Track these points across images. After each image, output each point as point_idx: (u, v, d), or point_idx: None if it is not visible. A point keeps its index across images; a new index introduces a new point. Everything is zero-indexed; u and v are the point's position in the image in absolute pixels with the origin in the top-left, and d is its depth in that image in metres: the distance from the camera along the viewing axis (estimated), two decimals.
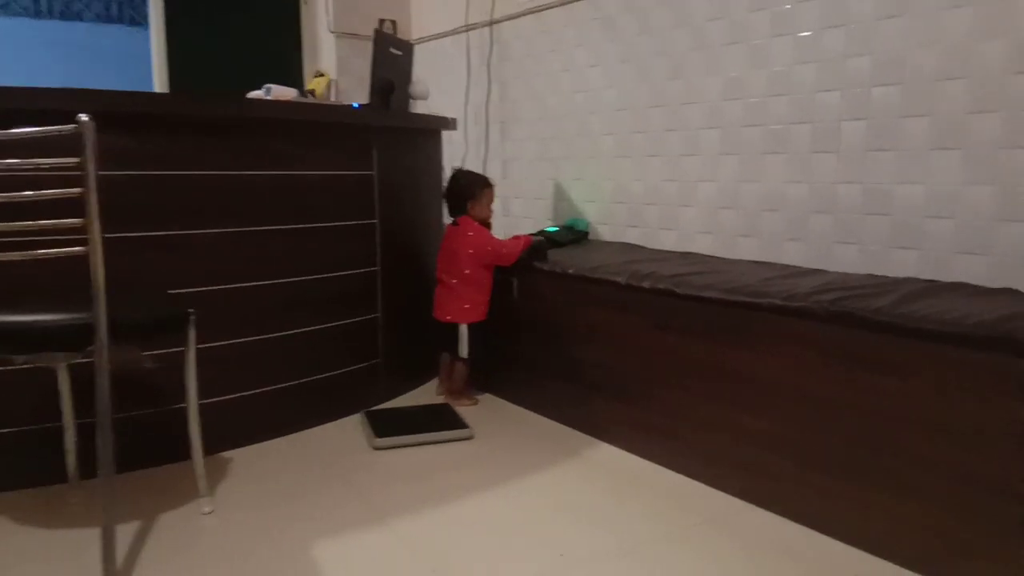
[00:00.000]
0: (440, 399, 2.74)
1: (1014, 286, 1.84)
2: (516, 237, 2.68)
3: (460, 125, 3.62)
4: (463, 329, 2.64)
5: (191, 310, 1.76)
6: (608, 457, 2.24)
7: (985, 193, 1.93)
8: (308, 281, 2.42)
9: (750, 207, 2.50)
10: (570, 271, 2.43)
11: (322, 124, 2.42)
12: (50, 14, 6.10)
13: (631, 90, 2.90)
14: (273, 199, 2.29)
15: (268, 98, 2.39)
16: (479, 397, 2.76)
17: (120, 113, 1.95)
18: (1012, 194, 1.88)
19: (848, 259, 2.23)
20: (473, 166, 3.63)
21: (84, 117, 1.33)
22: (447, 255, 2.69)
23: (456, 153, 3.67)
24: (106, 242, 1.46)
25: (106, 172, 1.74)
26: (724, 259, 2.49)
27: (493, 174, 3.58)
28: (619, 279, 2.25)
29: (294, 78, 4.21)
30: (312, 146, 2.38)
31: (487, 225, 2.72)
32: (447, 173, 3.13)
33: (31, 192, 1.36)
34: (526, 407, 2.66)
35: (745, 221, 2.51)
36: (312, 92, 3.65)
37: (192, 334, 1.77)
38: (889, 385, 1.61)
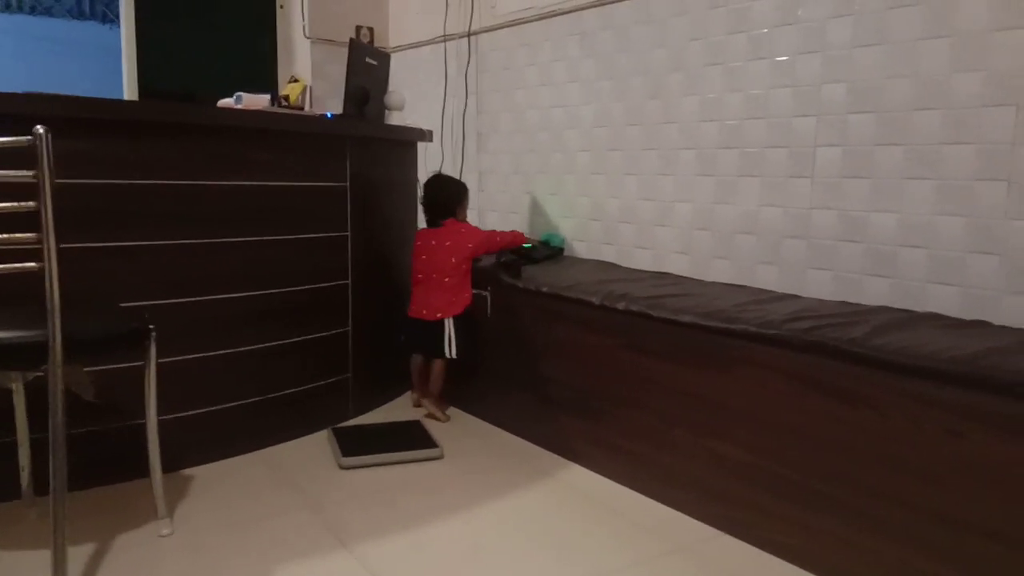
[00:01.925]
0: (411, 415, 2.70)
1: (986, 318, 1.84)
2: (494, 232, 2.83)
3: (436, 135, 3.59)
4: (449, 325, 2.61)
5: (151, 325, 1.71)
6: (578, 479, 2.21)
7: (957, 224, 1.94)
8: (277, 294, 2.36)
9: (725, 229, 2.49)
10: (544, 289, 2.41)
11: (294, 133, 2.37)
12: (20, 8, 5.97)
13: (608, 107, 2.88)
14: (242, 209, 2.24)
15: (239, 107, 2.34)
16: (448, 413, 2.72)
17: (80, 119, 1.89)
18: (984, 226, 1.89)
19: (822, 285, 2.23)
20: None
21: (40, 129, 1.28)
22: (436, 254, 2.65)
23: (432, 164, 3.63)
24: (62, 252, 1.40)
25: (63, 180, 1.69)
26: (698, 281, 2.48)
27: (469, 186, 3.54)
28: (593, 299, 2.23)
29: (268, 82, 4.15)
30: (284, 155, 2.34)
31: None
32: (422, 185, 3.11)
33: None
34: (497, 425, 2.63)
35: (720, 243, 2.51)
36: (286, 98, 3.59)
37: (153, 349, 1.72)
38: (863, 417, 1.61)
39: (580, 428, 2.31)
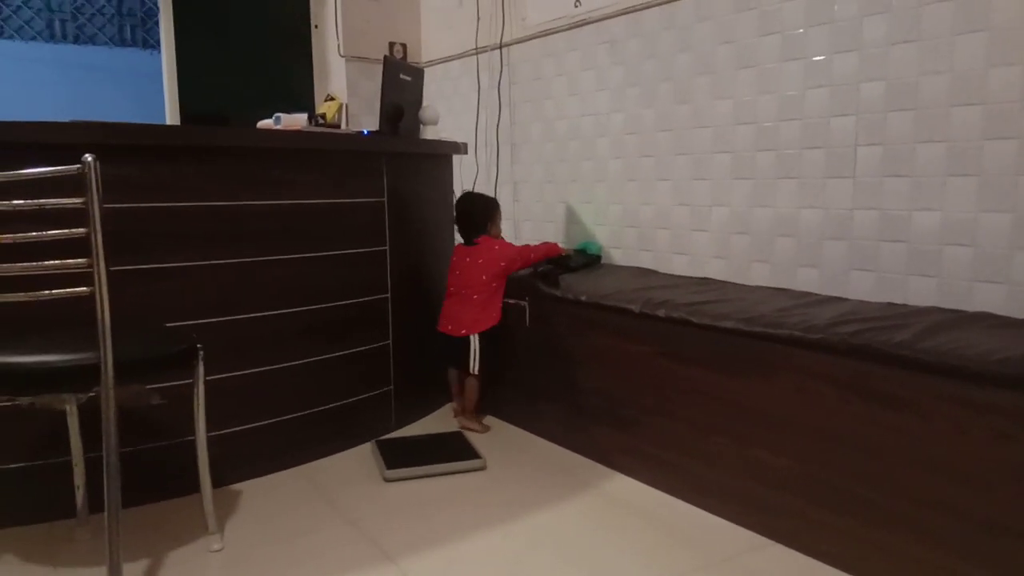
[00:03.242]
0: (453, 426, 2.71)
1: None
2: (527, 246, 2.78)
3: (471, 148, 3.61)
4: (474, 341, 2.62)
5: (199, 345, 1.75)
6: (619, 489, 2.20)
7: (1003, 221, 1.89)
8: (318, 310, 2.40)
9: (763, 232, 2.46)
10: (583, 298, 2.40)
11: (332, 152, 2.41)
12: (64, 38, 6.16)
13: (638, 114, 2.87)
14: (282, 228, 2.28)
15: (278, 127, 2.39)
16: (489, 424, 2.73)
17: (123, 145, 1.95)
18: None
19: (865, 286, 2.20)
20: (484, 189, 3.62)
21: (88, 157, 1.32)
22: (469, 271, 2.66)
23: (467, 176, 3.66)
24: (110, 275, 1.45)
25: (109, 205, 1.74)
26: (739, 285, 2.46)
27: (504, 197, 3.57)
28: (632, 307, 2.22)
29: (305, 102, 4.22)
30: (322, 174, 2.38)
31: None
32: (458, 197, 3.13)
33: (35, 233, 1.35)
34: (539, 434, 2.63)
35: (759, 246, 2.48)
36: (323, 116, 3.65)
37: (201, 368, 1.76)
38: (910, 423, 1.58)
39: (620, 437, 2.29)
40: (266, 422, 2.30)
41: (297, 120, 2.41)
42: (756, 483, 1.90)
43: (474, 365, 2.63)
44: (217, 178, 2.14)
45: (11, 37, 5.94)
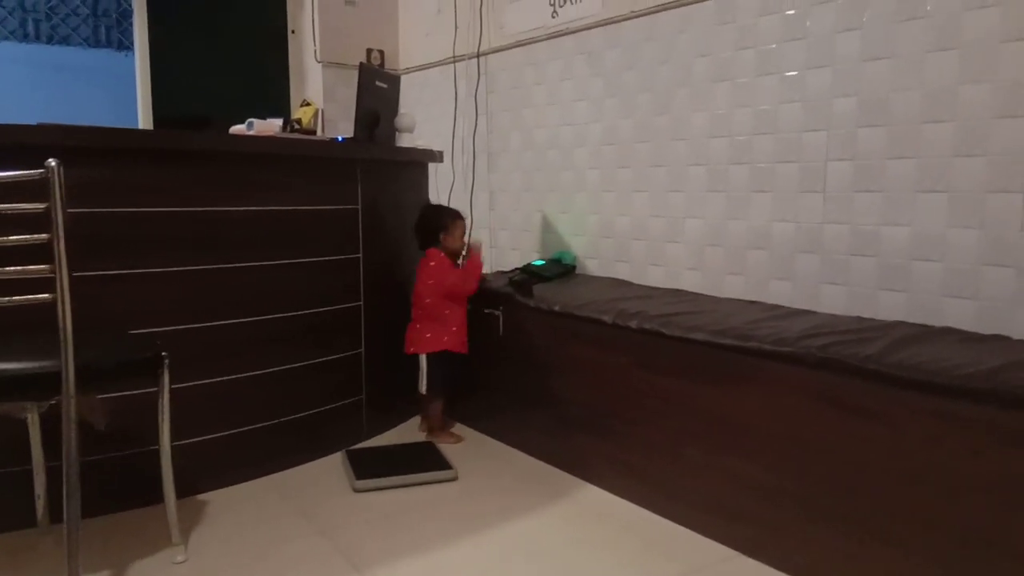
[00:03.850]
0: (423, 436, 2.69)
1: (1003, 332, 1.82)
2: (470, 262, 2.70)
3: (447, 156, 3.60)
4: (422, 360, 2.59)
5: (164, 353, 1.72)
6: (592, 500, 2.19)
7: (971, 237, 1.92)
8: (289, 317, 2.37)
9: (737, 245, 2.48)
10: (556, 308, 2.40)
11: (305, 158, 2.39)
12: (37, 38, 6.07)
13: (616, 124, 2.89)
14: (254, 234, 2.26)
15: (251, 133, 2.36)
16: (462, 435, 2.71)
17: (92, 148, 1.92)
18: (997, 238, 1.86)
19: (835, 300, 2.21)
20: (460, 197, 3.61)
21: (52, 162, 1.29)
22: (418, 286, 2.65)
23: (444, 184, 3.65)
24: (75, 280, 1.42)
25: (77, 209, 1.71)
26: (712, 297, 2.47)
27: (480, 205, 3.56)
28: (605, 318, 2.22)
29: (281, 106, 4.19)
30: (295, 180, 2.36)
31: (455, 256, 2.69)
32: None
33: None
34: (512, 445, 2.61)
35: (732, 259, 2.49)
36: (298, 121, 3.63)
37: (166, 377, 1.73)
38: (879, 434, 1.59)
39: (594, 447, 2.29)
40: (235, 431, 2.27)
41: (271, 126, 2.39)
42: (729, 494, 1.90)
43: (421, 384, 2.60)
44: (187, 183, 2.11)
45: None
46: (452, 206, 2.91)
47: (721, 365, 1.90)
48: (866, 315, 2.10)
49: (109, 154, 1.96)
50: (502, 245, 3.49)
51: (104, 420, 1.78)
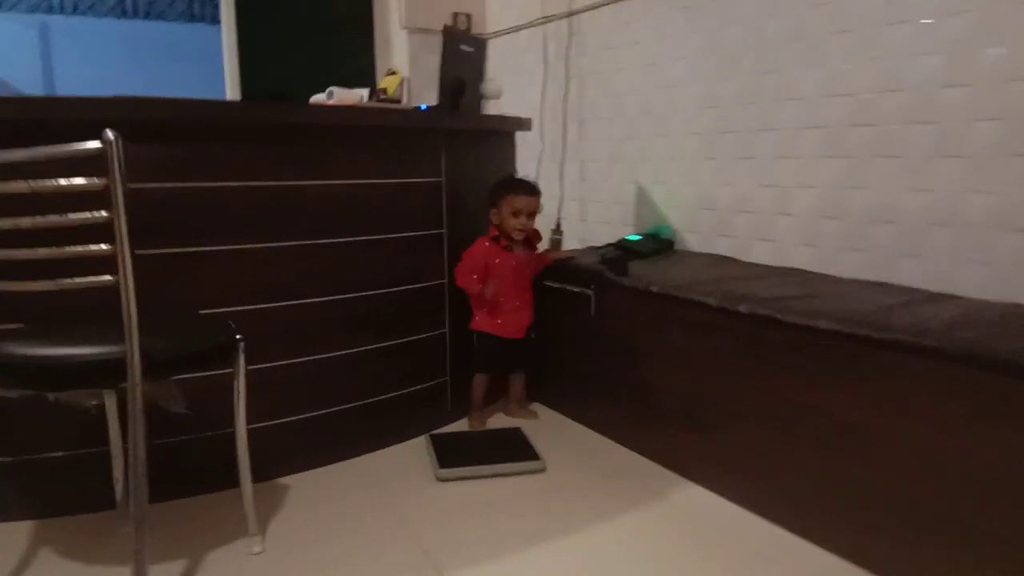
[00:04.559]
0: (511, 420, 2.56)
1: None
2: (472, 268, 2.41)
3: (536, 124, 3.42)
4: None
5: (239, 336, 1.62)
6: (691, 499, 2.01)
7: None
8: (370, 296, 2.26)
9: (857, 218, 2.20)
10: (653, 288, 2.20)
11: (386, 128, 2.26)
12: (135, 14, 6.20)
13: (718, 86, 2.63)
14: (331, 210, 2.15)
15: (331, 103, 2.25)
16: (538, 414, 2.62)
17: (156, 120, 1.83)
18: None
19: (975, 280, 1.93)
20: (549, 168, 3.42)
21: (109, 134, 1.19)
22: None
23: (531, 155, 3.47)
24: (143, 259, 1.33)
25: (140, 185, 1.63)
26: (829, 277, 2.21)
27: (570, 176, 3.37)
28: (710, 300, 2.01)
29: (366, 76, 4.09)
30: (374, 152, 2.23)
31: (511, 239, 2.44)
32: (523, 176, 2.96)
33: (55, 216, 1.24)
34: (602, 433, 2.45)
35: (851, 234, 2.22)
36: (384, 91, 3.52)
37: (241, 360, 1.64)
38: None
39: (693, 442, 2.10)
40: (314, 414, 2.19)
41: (351, 95, 2.27)
42: (848, 504, 1.68)
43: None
44: (258, 157, 2.01)
45: (84, 14, 6.00)
46: (532, 177, 2.70)
47: (848, 359, 1.67)
48: (1021, 301, 1.81)
49: (173, 127, 1.88)
50: (592, 219, 3.29)
51: (182, 403, 1.71)
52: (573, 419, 2.59)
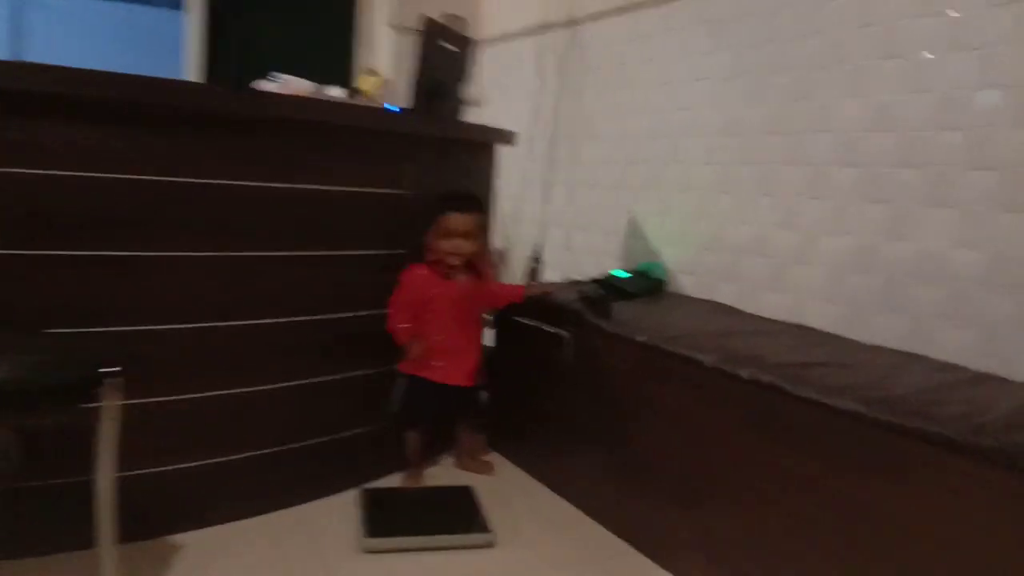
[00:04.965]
0: (463, 477, 2.18)
1: None
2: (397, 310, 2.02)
3: (525, 139, 3.08)
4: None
5: (106, 371, 1.26)
6: None
7: None
8: (311, 322, 1.90)
9: (896, 274, 1.86)
10: (641, 338, 1.84)
11: (345, 128, 1.91)
12: None
13: (740, 111, 2.29)
14: (271, 217, 1.79)
15: (278, 90, 1.91)
16: (496, 468, 2.26)
17: (62, 95, 1.47)
18: None
19: None
20: (535, 188, 3.08)
21: None
22: None
23: (517, 171, 3.12)
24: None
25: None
26: (852, 342, 1.86)
27: (557, 199, 3.02)
28: (706, 359, 1.65)
29: (344, 74, 3.75)
30: (329, 155, 1.88)
31: (442, 268, 2.02)
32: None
33: None
34: (570, 501, 2.08)
35: (887, 292, 1.87)
36: (361, 91, 3.18)
37: (110, 398, 1.27)
38: None
39: (678, 525, 1.73)
40: (227, 458, 1.81)
41: (301, 85, 1.92)
42: None
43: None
44: (191, 149, 1.65)
45: None
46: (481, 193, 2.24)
47: (878, 449, 1.31)
48: None
49: (82, 105, 1.52)
50: (577, 248, 2.94)
51: (14, 458, 1.34)
52: (537, 478, 2.22)
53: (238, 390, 1.79)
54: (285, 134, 1.78)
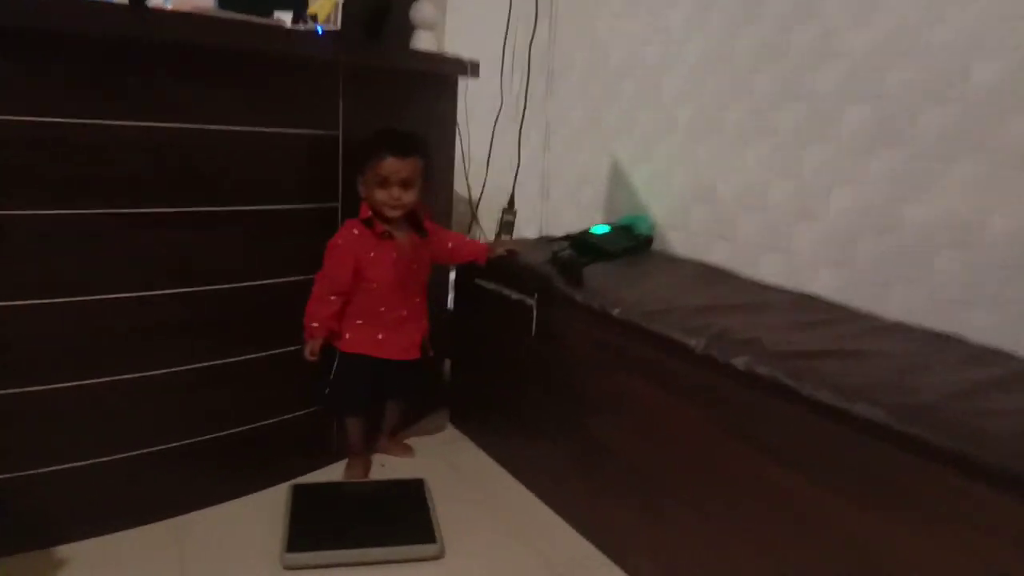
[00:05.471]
0: (414, 468, 1.91)
1: None
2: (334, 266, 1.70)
3: (496, 72, 2.71)
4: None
5: None
6: None
7: None
8: (220, 292, 1.60)
9: (916, 237, 1.54)
10: (615, 312, 1.54)
11: (256, 55, 1.57)
12: None
13: (728, 37, 1.93)
14: (166, 166, 1.47)
15: (169, 7, 1.56)
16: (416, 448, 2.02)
17: None
18: None
19: None
20: (509, 129, 2.72)
21: None
22: None
23: (489, 110, 2.75)
24: None
25: None
26: (870, 318, 1.55)
27: (533, 142, 2.68)
28: (692, 343, 1.35)
29: None
30: (241, 88, 1.55)
31: (383, 216, 1.70)
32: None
33: None
34: (533, 491, 1.83)
35: (908, 259, 1.56)
36: (314, 17, 2.79)
37: None
38: None
39: (649, 530, 1.47)
40: (123, 455, 1.53)
41: (198, 1, 1.57)
42: None
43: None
44: (50, 80, 1.31)
45: None
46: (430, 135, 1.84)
47: (891, 471, 1.03)
48: None
49: None
50: (555, 198, 2.61)
51: None
52: (499, 462, 1.97)
53: (123, 376, 1.50)
54: (170, 61, 1.44)
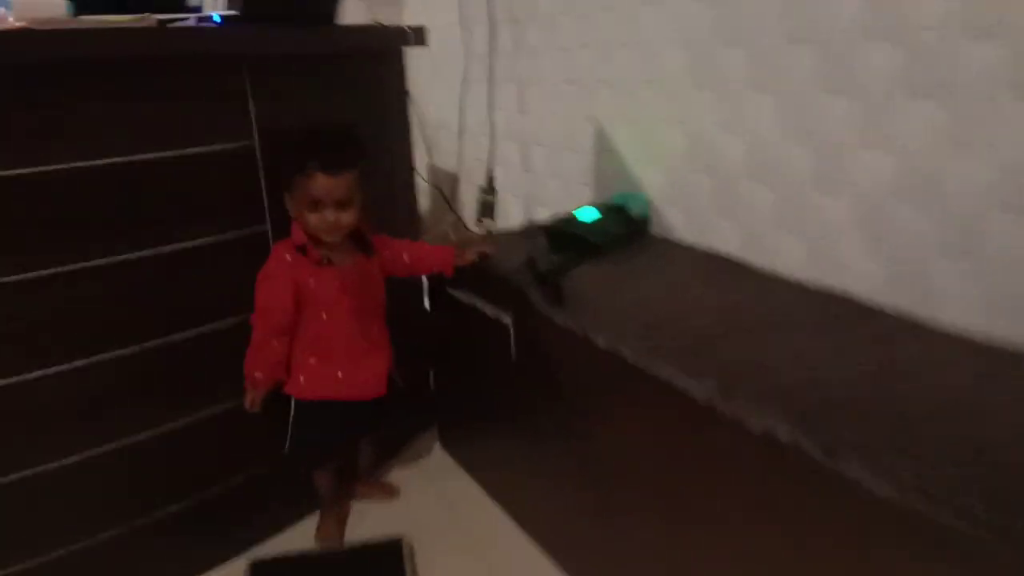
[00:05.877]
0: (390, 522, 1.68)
1: None
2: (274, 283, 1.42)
3: (456, 27, 2.36)
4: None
5: None
6: None
7: None
8: (150, 350, 1.35)
9: (972, 213, 1.21)
10: (600, 342, 1.25)
11: (139, 60, 1.27)
12: None
13: None
14: (47, 214, 1.20)
15: (11, 23, 1.25)
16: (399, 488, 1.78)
17: None
18: None
19: None
20: (478, 91, 2.38)
21: None
22: None
23: (450, 75, 2.41)
24: None
25: None
26: (912, 322, 1.24)
27: (507, 104, 2.34)
28: (696, 391, 1.07)
29: None
30: (123, 104, 1.26)
31: (317, 240, 1.41)
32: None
33: None
34: (529, 534, 1.60)
35: (961, 241, 1.23)
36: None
37: None
38: None
39: None
40: (60, 551, 1.32)
41: (49, 6, 1.25)
42: None
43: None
44: None
45: None
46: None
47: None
48: None
49: None
50: (538, 170, 2.28)
51: None
52: (491, 496, 1.75)
53: (33, 469, 1.26)
54: (14, 87, 1.15)
